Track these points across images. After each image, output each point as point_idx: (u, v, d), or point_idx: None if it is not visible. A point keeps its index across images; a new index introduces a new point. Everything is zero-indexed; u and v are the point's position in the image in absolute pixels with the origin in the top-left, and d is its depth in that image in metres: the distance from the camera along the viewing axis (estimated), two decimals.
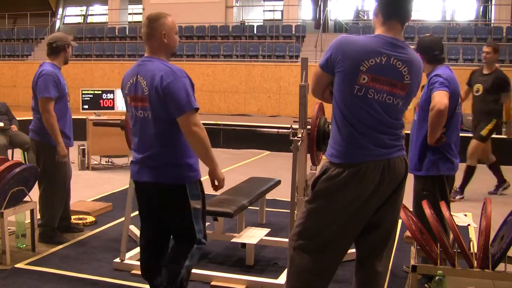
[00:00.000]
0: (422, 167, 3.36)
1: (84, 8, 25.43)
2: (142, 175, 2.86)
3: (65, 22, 25.11)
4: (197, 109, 2.71)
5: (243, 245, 3.85)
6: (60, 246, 4.14)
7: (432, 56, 3.39)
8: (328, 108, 3.23)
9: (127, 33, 18.33)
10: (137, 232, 4.30)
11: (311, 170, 4.01)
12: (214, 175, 2.83)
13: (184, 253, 2.90)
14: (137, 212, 4.87)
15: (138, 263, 3.68)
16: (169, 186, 2.79)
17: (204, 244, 2.94)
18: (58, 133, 4.03)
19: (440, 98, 3.15)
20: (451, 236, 3.02)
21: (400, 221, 2.93)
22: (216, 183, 2.85)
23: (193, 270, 3.48)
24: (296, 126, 3.53)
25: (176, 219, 2.89)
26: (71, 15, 25.79)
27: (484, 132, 6.01)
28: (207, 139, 2.74)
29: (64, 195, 4.29)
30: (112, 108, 7.86)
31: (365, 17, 19.89)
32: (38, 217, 4.13)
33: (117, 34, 18.28)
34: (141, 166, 2.86)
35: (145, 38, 2.88)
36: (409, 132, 3.43)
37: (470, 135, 6.35)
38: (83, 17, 25.51)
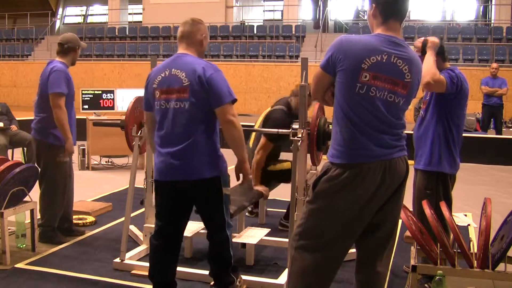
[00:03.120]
0: (429, 163, 3.36)
1: (84, 8, 25.45)
2: (176, 173, 2.89)
3: (65, 22, 25.14)
4: (234, 101, 2.89)
5: (243, 245, 3.85)
6: (60, 246, 4.14)
7: (445, 55, 3.40)
8: (328, 108, 3.24)
9: (127, 33, 18.34)
10: (137, 232, 4.31)
11: (311, 170, 4.01)
12: (242, 167, 3.01)
13: (226, 242, 3.05)
14: (137, 212, 4.93)
15: (138, 263, 3.70)
16: (206, 180, 2.90)
17: (232, 226, 3.12)
18: (68, 129, 4.04)
19: (440, 77, 3.17)
20: (451, 236, 3.02)
21: (400, 221, 2.93)
22: (242, 177, 3.04)
23: (193, 270, 3.50)
24: (296, 126, 3.53)
25: (211, 210, 3.01)
26: (71, 15, 25.81)
27: None
28: (242, 131, 2.92)
29: (64, 195, 4.28)
30: (112, 108, 7.85)
31: (365, 17, 19.89)
32: (38, 217, 4.13)
33: (117, 34, 18.31)
34: (175, 160, 2.87)
35: (185, 35, 3.01)
36: (410, 132, 3.43)
37: (470, 135, 6.35)
38: (83, 17, 25.53)
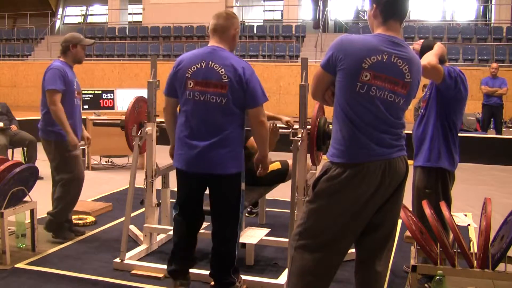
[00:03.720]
0: (429, 159, 3.36)
1: (84, 8, 25.43)
2: (203, 166, 3.00)
3: (65, 22, 25.12)
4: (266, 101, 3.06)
5: (243, 245, 3.85)
6: (60, 246, 4.14)
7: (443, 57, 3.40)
8: (328, 108, 3.25)
9: (127, 33, 18.33)
10: (137, 232, 4.31)
11: (311, 170, 4.01)
12: (263, 162, 3.20)
13: (235, 240, 3.16)
14: (137, 212, 4.93)
15: (138, 263, 3.71)
16: (231, 175, 3.04)
17: (241, 226, 3.30)
18: (66, 124, 4.05)
19: (438, 65, 3.17)
20: (451, 236, 3.02)
21: (400, 221, 2.93)
22: (262, 169, 3.22)
23: (193, 270, 3.49)
24: (296, 126, 3.53)
25: (230, 205, 3.12)
26: (71, 15, 25.79)
27: None
28: (268, 129, 3.12)
29: (79, 190, 4.28)
30: (112, 108, 7.85)
31: (365, 17, 19.90)
32: (39, 216, 4.12)
33: (117, 34, 18.30)
34: (205, 153, 2.97)
35: (219, 29, 3.06)
36: (410, 132, 3.43)
37: (470, 135, 6.33)
38: (83, 17, 25.51)
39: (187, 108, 3.02)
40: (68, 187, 4.19)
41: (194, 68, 2.97)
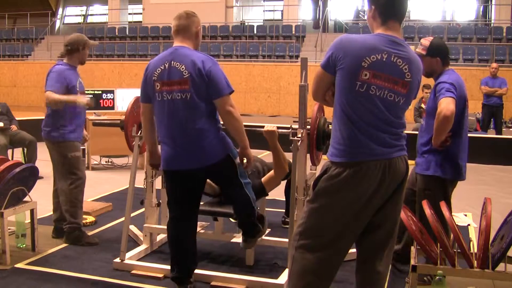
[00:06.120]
0: (428, 168, 3.37)
1: (84, 8, 25.44)
2: (189, 162, 3.04)
3: (65, 22, 25.12)
4: (232, 92, 3.04)
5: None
6: (60, 246, 4.14)
7: (447, 59, 3.40)
8: (328, 108, 3.26)
9: (127, 33, 18.34)
10: (137, 232, 4.31)
11: (311, 170, 4.01)
12: (245, 153, 3.16)
13: (245, 198, 3.19)
14: (137, 212, 4.93)
15: (138, 263, 3.71)
16: (218, 162, 3.06)
17: (250, 183, 3.26)
18: (66, 98, 4.05)
19: (447, 105, 3.15)
20: (451, 236, 3.02)
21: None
22: (246, 161, 3.19)
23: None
24: (296, 126, 3.53)
25: (228, 180, 3.17)
26: (71, 15, 25.79)
27: None
28: (241, 119, 3.10)
29: (81, 190, 4.28)
30: (112, 108, 7.86)
31: (365, 17, 19.88)
32: (39, 216, 4.12)
33: (117, 34, 18.31)
34: (186, 150, 3.03)
35: (180, 28, 3.13)
36: (410, 132, 3.43)
37: (470, 135, 6.31)
38: (83, 17, 25.51)
39: (159, 110, 3.10)
40: (76, 191, 4.18)
41: (159, 70, 3.06)
